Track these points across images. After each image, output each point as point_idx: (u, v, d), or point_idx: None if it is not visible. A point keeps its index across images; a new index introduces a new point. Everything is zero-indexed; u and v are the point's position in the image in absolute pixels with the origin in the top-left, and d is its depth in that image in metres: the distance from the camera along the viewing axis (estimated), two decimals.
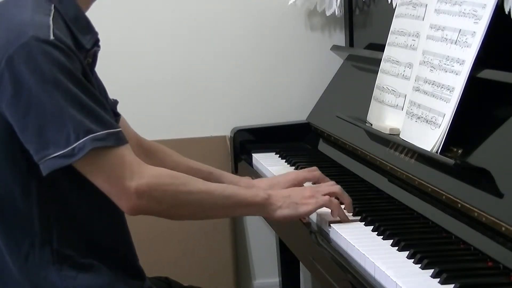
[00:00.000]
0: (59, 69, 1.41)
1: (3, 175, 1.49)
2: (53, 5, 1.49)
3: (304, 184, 1.84)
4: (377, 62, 2.11)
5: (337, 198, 1.72)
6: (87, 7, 1.58)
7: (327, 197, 1.67)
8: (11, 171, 1.49)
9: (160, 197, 1.49)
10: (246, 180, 1.88)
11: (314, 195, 1.66)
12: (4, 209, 1.51)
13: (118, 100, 1.80)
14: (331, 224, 1.68)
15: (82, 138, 1.40)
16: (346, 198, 1.73)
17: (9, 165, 1.48)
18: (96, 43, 1.57)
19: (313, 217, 1.78)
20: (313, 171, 1.86)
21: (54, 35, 1.42)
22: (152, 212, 1.51)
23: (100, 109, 1.45)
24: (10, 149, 1.47)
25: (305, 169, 1.90)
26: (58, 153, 1.41)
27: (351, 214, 1.73)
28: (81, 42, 1.51)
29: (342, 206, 1.72)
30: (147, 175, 1.47)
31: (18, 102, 1.41)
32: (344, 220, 1.69)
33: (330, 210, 1.69)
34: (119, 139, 1.46)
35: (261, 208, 1.62)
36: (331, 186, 1.73)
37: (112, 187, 1.46)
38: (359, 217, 1.71)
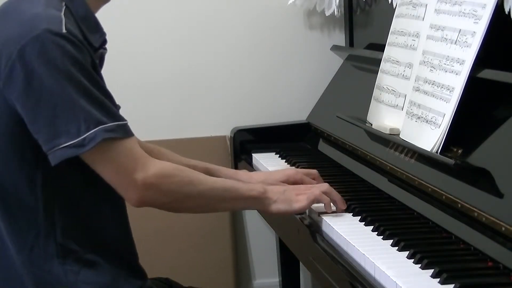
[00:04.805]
0: (71, 62, 1.44)
1: (10, 167, 1.51)
2: (64, 3, 1.52)
3: None
4: (377, 62, 2.11)
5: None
6: (97, 9, 1.61)
7: (317, 191, 1.71)
8: (18, 163, 1.50)
9: (166, 189, 1.53)
10: (243, 173, 1.92)
11: (306, 194, 1.71)
12: (10, 201, 1.52)
13: (117, 99, 1.80)
14: (332, 225, 1.68)
15: (93, 129, 1.43)
16: (335, 195, 1.75)
17: (16, 157, 1.50)
18: (103, 43, 1.60)
19: (313, 216, 1.78)
20: (312, 176, 1.87)
21: (66, 28, 1.45)
22: (157, 204, 1.54)
23: (109, 102, 1.49)
24: (18, 141, 1.49)
25: (306, 170, 1.90)
26: (69, 143, 1.43)
27: (345, 209, 1.76)
28: (89, 40, 1.54)
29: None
30: (154, 167, 1.51)
31: (30, 93, 1.43)
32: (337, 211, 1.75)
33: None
34: (127, 131, 1.50)
35: (258, 201, 1.67)
36: (321, 186, 1.75)
37: (119, 178, 1.49)
38: (359, 217, 1.71)
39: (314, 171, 1.89)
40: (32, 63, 1.42)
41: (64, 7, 1.51)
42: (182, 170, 1.58)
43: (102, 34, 1.60)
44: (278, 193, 1.68)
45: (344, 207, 1.75)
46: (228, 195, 1.63)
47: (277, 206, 1.68)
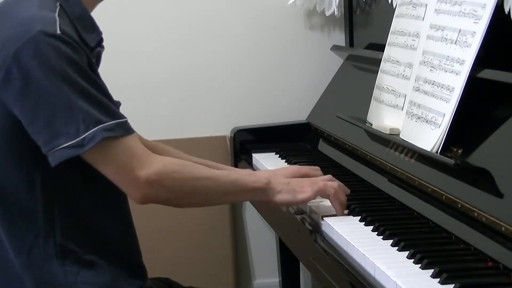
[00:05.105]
0: (67, 63, 1.44)
1: (8, 169, 1.51)
2: (58, 3, 1.52)
3: None
4: (377, 62, 2.11)
5: None
6: (92, 8, 1.61)
7: (322, 182, 1.71)
8: (16, 165, 1.50)
9: (169, 185, 1.52)
10: (246, 171, 1.91)
11: (311, 186, 1.70)
12: (9, 202, 1.52)
13: (117, 99, 1.80)
14: (332, 225, 1.68)
15: (92, 129, 1.43)
16: (345, 190, 1.75)
17: (14, 160, 1.50)
18: (100, 42, 1.60)
19: (313, 216, 1.78)
20: (316, 170, 1.87)
21: (61, 29, 1.45)
22: (161, 200, 1.54)
23: (107, 100, 1.48)
24: (16, 143, 1.49)
25: (309, 166, 1.91)
26: (68, 144, 1.43)
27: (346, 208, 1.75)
28: (85, 40, 1.53)
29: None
30: (156, 164, 1.50)
31: (27, 95, 1.43)
32: (342, 204, 1.72)
33: (325, 207, 1.73)
34: (127, 129, 1.49)
35: (262, 192, 1.66)
36: (329, 180, 1.75)
37: (122, 176, 1.49)
38: (359, 217, 1.71)
39: (317, 168, 1.89)
40: (28, 65, 1.42)
41: (59, 8, 1.50)
42: (185, 165, 1.58)
43: (98, 33, 1.59)
44: (282, 184, 1.68)
45: (348, 192, 1.75)
46: (233, 188, 1.63)
47: (282, 197, 1.67)
